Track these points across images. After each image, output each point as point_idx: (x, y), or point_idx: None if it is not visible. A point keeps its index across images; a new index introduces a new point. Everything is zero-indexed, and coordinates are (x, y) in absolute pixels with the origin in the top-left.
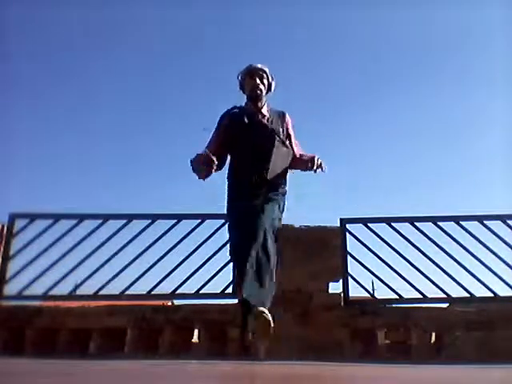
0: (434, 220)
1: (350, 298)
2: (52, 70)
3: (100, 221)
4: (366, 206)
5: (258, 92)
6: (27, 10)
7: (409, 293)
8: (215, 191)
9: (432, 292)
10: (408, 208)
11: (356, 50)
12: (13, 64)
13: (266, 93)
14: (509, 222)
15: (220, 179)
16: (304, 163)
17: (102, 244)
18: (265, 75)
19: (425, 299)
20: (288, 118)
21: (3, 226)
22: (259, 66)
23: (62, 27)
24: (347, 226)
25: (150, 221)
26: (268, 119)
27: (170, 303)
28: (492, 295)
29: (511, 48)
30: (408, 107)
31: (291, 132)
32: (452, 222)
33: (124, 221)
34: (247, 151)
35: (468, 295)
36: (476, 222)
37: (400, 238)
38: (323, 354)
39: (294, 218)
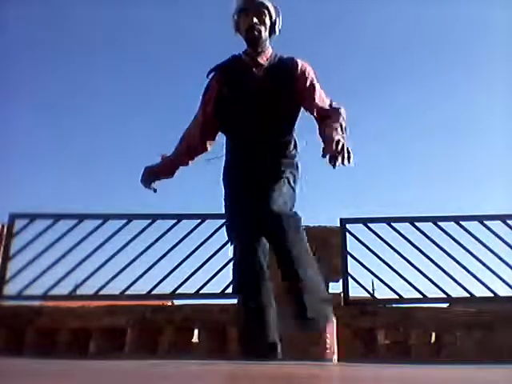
0: (434, 220)
1: (350, 298)
2: (52, 68)
3: (100, 221)
4: (365, 206)
5: (256, 33)
6: (27, 11)
7: (409, 293)
8: None
9: (432, 292)
10: (408, 208)
11: (363, 43)
12: (13, 64)
13: (269, 34)
14: (509, 221)
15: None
16: (327, 143)
17: (102, 244)
18: (265, 11)
19: (425, 299)
20: (302, 66)
21: (3, 226)
22: None
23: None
24: (347, 225)
25: (149, 221)
26: (265, 68)
27: (169, 303)
28: (492, 295)
29: None
30: (408, 107)
31: (309, 80)
32: (452, 222)
33: (124, 221)
34: (235, 112)
35: (468, 295)
36: (476, 222)
37: (400, 237)
38: (323, 354)
39: None
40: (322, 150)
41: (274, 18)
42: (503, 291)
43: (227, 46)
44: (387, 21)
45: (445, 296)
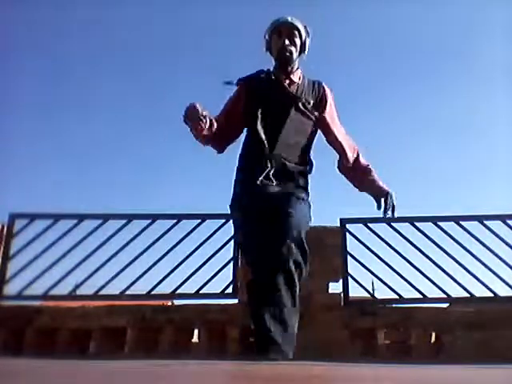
0: (434, 220)
1: (350, 298)
2: (52, 65)
3: (100, 221)
4: (366, 206)
5: (287, 54)
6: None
7: (409, 293)
8: None
9: (432, 292)
10: (408, 208)
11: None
12: (13, 64)
13: (299, 54)
14: (509, 221)
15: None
16: (377, 193)
17: (102, 244)
18: (296, 32)
19: (425, 299)
20: (327, 89)
21: (3, 226)
22: (289, 19)
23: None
24: (347, 225)
25: (149, 221)
26: (297, 86)
27: (170, 303)
28: (492, 295)
29: None
30: (407, 106)
31: (333, 107)
32: (452, 222)
33: (124, 221)
34: (261, 121)
35: (468, 295)
36: (476, 222)
37: (400, 237)
38: (323, 354)
39: None
40: (376, 199)
41: (303, 38)
42: (503, 291)
43: (227, 46)
44: (387, 21)
45: (445, 296)
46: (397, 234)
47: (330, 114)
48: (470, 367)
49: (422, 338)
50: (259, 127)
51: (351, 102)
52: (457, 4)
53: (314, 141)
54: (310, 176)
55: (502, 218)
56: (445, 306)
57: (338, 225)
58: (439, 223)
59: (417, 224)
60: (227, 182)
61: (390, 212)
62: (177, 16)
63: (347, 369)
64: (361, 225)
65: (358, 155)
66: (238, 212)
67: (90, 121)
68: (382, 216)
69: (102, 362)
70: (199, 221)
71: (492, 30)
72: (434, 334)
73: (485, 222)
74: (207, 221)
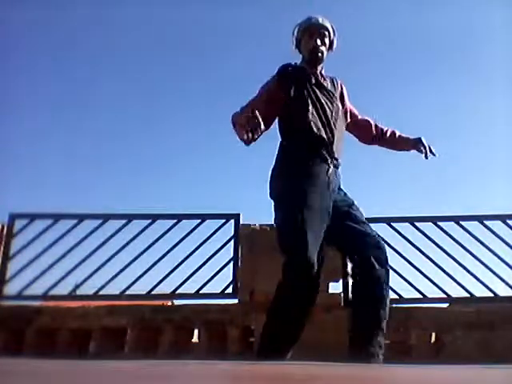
0: (434, 220)
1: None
2: (53, 67)
3: (100, 221)
4: (366, 206)
5: (320, 55)
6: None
7: (409, 293)
8: None
9: (432, 292)
10: (408, 208)
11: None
12: (13, 64)
13: (327, 51)
14: (509, 221)
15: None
16: (410, 144)
17: (102, 244)
18: (326, 33)
19: (425, 299)
20: (340, 82)
21: (3, 226)
22: (320, 20)
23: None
24: None
25: (150, 221)
26: (327, 83)
27: (170, 303)
28: (492, 295)
29: None
30: (407, 106)
31: (347, 94)
32: (452, 222)
33: (124, 221)
34: (309, 118)
35: (468, 295)
36: (476, 222)
37: (400, 238)
38: (323, 354)
39: None
40: (415, 148)
41: (332, 38)
42: (503, 291)
43: (228, 47)
44: (387, 23)
45: (445, 296)
46: (397, 234)
47: (350, 102)
48: (470, 367)
49: (421, 338)
50: (312, 119)
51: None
52: (453, 4)
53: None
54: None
55: (502, 218)
56: (445, 306)
57: None
58: (439, 223)
59: (417, 224)
60: (227, 182)
61: (430, 153)
62: (177, 16)
63: (347, 369)
64: None
65: (379, 125)
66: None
67: (90, 121)
68: (425, 158)
69: (102, 362)
70: (199, 221)
71: (491, 29)
72: (434, 334)
73: (485, 221)
74: (207, 221)
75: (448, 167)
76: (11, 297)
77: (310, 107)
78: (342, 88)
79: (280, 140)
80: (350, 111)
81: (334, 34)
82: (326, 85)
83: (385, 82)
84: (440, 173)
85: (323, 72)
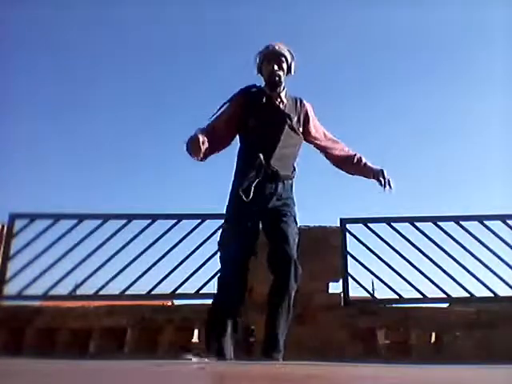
0: (434, 220)
1: (350, 298)
2: (52, 68)
3: (100, 221)
4: (364, 206)
5: (277, 79)
6: (26, 10)
7: (409, 293)
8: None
9: (432, 292)
10: (408, 208)
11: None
12: (12, 64)
13: (286, 75)
14: (509, 221)
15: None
16: (372, 174)
17: (102, 244)
18: (283, 58)
19: (425, 299)
20: (307, 104)
21: (3, 226)
22: (277, 47)
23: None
24: (347, 225)
25: (150, 221)
26: (285, 105)
27: (169, 303)
28: (492, 295)
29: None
30: (406, 105)
31: (315, 118)
32: (452, 222)
33: (124, 221)
34: (257, 135)
35: (468, 295)
36: (476, 222)
37: (400, 237)
38: (323, 354)
39: None
40: (376, 176)
41: (289, 62)
42: (503, 291)
43: (227, 48)
44: (385, 23)
45: (445, 296)
46: (397, 234)
47: (314, 124)
48: (470, 367)
49: (421, 338)
50: (256, 139)
51: (348, 98)
52: (450, 4)
53: (300, 150)
54: (294, 180)
55: (502, 218)
56: (445, 305)
57: (338, 225)
58: (439, 223)
59: (417, 224)
60: (227, 182)
61: (388, 186)
62: (177, 16)
63: (347, 369)
64: (361, 225)
65: (346, 149)
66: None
67: (90, 121)
68: (382, 190)
69: (102, 362)
70: (199, 221)
71: (488, 30)
72: (434, 334)
73: (485, 221)
74: (207, 221)
75: (447, 167)
76: (11, 297)
77: (257, 126)
78: (306, 110)
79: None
80: (312, 133)
81: (293, 59)
82: (281, 106)
83: (384, 82)
84: (440, 173)
85: (283, 94)
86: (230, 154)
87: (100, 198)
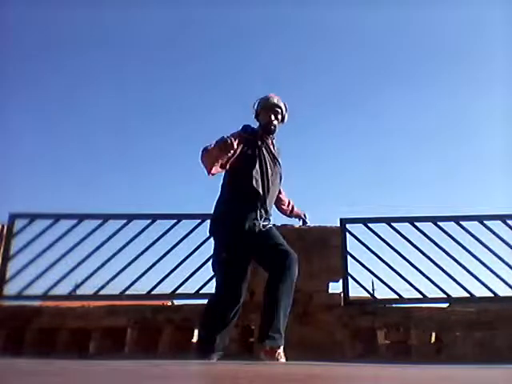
0: (434, 220)
1: (350, 298)
2: (52, 68)
3: (100, 221)
4: (364, 207)
5: (273, 128)
6: (25, 10)
7: (409, 293)
8: None
9: (432, 292)
10: (408, 208)
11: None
12: (12, 64)
13: (279, 125)
14: (509, 221)
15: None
16: (298, 215)
17: (102, 244)
18: (279, 110)
19: (425, 299)
20: (281, 153)
21: (3, 226)
22: (275, 100)
23: (62, 27)
24: (347, 226)
25: (149, 221)
26: (276, 150)
27: (169, 303)
28: (492, 295)
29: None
30: (405, 105)
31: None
32: (452, 222)
33: (124, 221)
34: (251, 173)
35: (468, 295)
36: (476, 222)
37: (400, 238)
38: (323, 353)
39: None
40: (300, 218)
41: (284, 114)
42: (503, 291)
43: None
44: (382, 23)
45: (445, 296)
46: (397, 234)
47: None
48: (470, 367)
49: (421, 338)
50: (255, 176)
51: (347, 102)
52: (447, 4)
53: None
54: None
55: (502, 218)
56: (445, 305)
57: (338, 225)
58: (439, 223)
59: (417, 224)
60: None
61: (307, 222)
62: (177, 17)
63: (347, 369)
64: (361, 225)
65: (286, 200)
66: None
67: (90, 121)
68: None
69: (102, 362)
70: (199, 221)
71: (486, 29)
72: (433, 334)
73: (485, 221)
74: (207, 221)
75: (448, 167)
76: (11, 297)
77: (257, 165)
78: (280, 157)
79: (223, 186)
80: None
81: (286, 111)
82: (273, 151)
83: (384, 85)
84: (439, 172)
85: (274, 141)
86: None
87: (100, 198)
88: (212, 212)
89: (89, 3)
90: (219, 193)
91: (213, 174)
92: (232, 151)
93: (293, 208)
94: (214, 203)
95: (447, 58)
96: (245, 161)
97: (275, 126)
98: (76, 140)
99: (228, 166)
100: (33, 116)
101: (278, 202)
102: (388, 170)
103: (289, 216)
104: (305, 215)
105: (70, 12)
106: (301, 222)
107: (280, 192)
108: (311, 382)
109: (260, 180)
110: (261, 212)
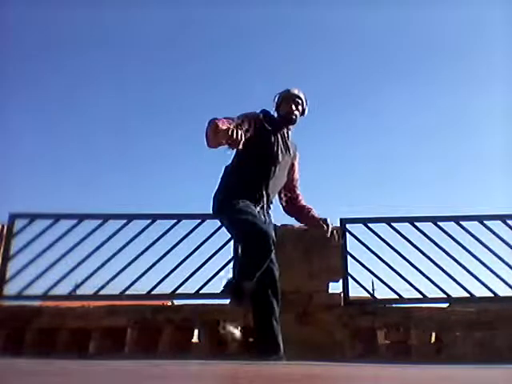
0: (434, 220)
1: (350, 298)
2: (51, 69)
3: (100, 221)
4: (364, 207)
5: (293, 117)
6: (25, 10)
7: (409, 293)
8: None
9: (432, 292)
10: (408, 208)
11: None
12: (11, 64)
13: (300, 117)
14: (509, 221)
15: None
16: (317, 223)
17: (102, 244)
18: (300, 101)
19: (425, 299)
20: (298, 154)
21: (3, 226)
22: (296, 92)
23: (61, 27)
24: (347, 225)
25: (149, 221)
26: (291, 143)
27: (169, 303)
28: (492, 295)
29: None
30: (405, 105)
31: (298, 166)
32: (452, 222)
33: (124, 221)
34: (262, 159)
35: (468, 295)
36: (476, 222)
37: (400, 238)
38: (323, 353)
39: None
40: (320, 225)
41: (304, 106)
42: (503, 291)
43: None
44: (381, 23)
45: (445, 296)
46: (397, 234)
47: (294, 176)
48: (470, 367)
49: (421, 338)
50: (259, 163)
51: (347, 100)
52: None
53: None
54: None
55: (502, 218)
56: (445, 306)
57: (338, 225)
58: (439, 223)
59: (417, 224)
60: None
61: (330, 231)
62: (177, 17)
63: (347, 369)
64: (361, 225)
65: (302, 202)
66: (237, 202)
67: (90, 121)
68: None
69: (102, 362)
70: (199, 221)
71: (485, 28)
72: (433, 334)
73: (485, 221)
74: (207, 221)
75: (448, 167)
76: (11, 297)
77: (268, 151)
78: (297, 149)
79: (229, 165)
80: (295, 169)
81: (306, 104)
82: (288, 142)
83: (384, 84)
84: (440, 172)
85: (290, 133)
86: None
87: (100, 198)
88: (216, 188)
89: (89, 3)
90: (229, 165)
91: (213, 147)
92: (235, 143)
93: (308, 213)
94: (221, 175)
95: (447, 56)
96: (257, 145)
97: (296, 116)
98: (76, 140)
99: (241, 146)
100: (33, 116)
101: (291, 201)
102: (388, 170)
103: (303, 222)
104: (325, 222)
105: (70, 12)
106: (328, 232)
107: (297, 196)
108: (311, 382)
109: (268, 167)
110: (262, 201)
